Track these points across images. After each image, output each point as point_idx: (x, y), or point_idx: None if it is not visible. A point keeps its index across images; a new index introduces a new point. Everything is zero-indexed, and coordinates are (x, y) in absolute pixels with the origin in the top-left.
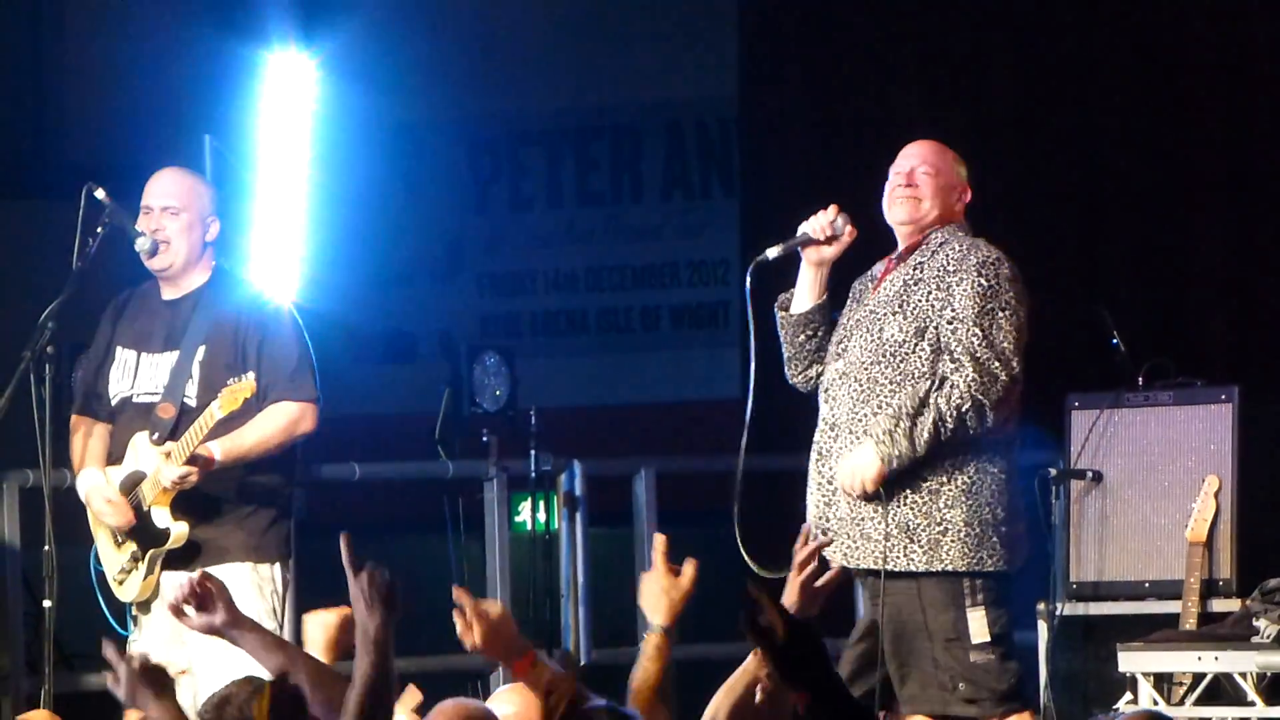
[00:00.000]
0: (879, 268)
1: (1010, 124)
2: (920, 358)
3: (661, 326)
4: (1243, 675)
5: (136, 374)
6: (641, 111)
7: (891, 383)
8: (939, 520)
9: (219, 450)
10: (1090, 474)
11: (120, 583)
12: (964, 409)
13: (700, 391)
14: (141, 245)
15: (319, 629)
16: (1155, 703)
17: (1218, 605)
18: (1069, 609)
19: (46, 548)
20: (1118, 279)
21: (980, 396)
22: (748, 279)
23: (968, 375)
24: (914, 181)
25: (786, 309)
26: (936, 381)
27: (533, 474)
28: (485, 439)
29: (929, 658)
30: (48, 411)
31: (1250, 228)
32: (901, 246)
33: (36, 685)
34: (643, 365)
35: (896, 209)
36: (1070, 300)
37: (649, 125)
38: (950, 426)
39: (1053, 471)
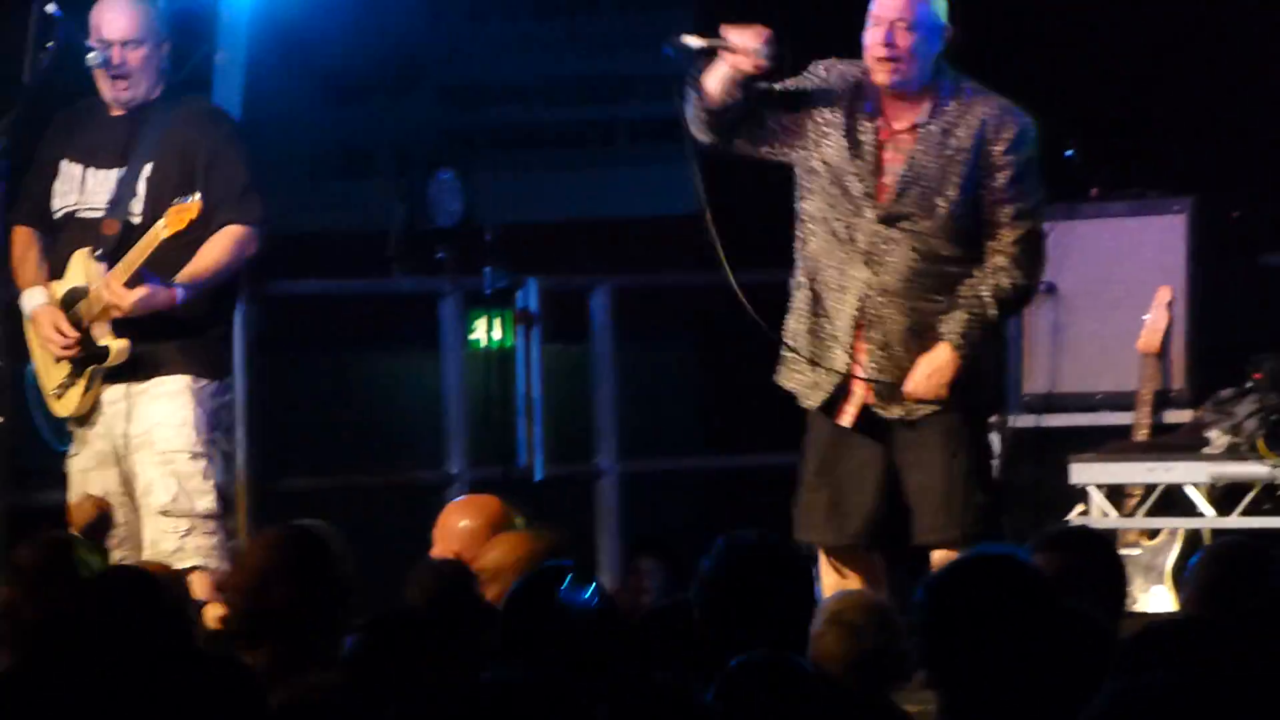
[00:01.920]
0: (866, 109)
1: None
2: (976, 231)
3: (619, 141)
4: (1195, 486)
5: (83, 188)
6: None
7: (954, 262)
8: (979, 363)
9: (181, 293)
10: (1043, 286)
11: (58, 398)
12: (1018, 271)
13: (659, 207)
14: (94, 60)
15: (80, 516)
16: (1106, 514)
17: (1170, 416)
18: (1021, 421)
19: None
20: (1070, 90)
21: (1029, 261)
22: (668, 54)
23: (1023, 259)
24: (894, 41)
25: (704, 102)
26: (992, 262)
27: (488, 290)
28: (441, 255)
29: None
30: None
31: (1206, 37)
32: (893, 97)
33: None
34: (601, 180)
35: (878, 73)
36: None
37: None
38: (1014, 297)
39: None
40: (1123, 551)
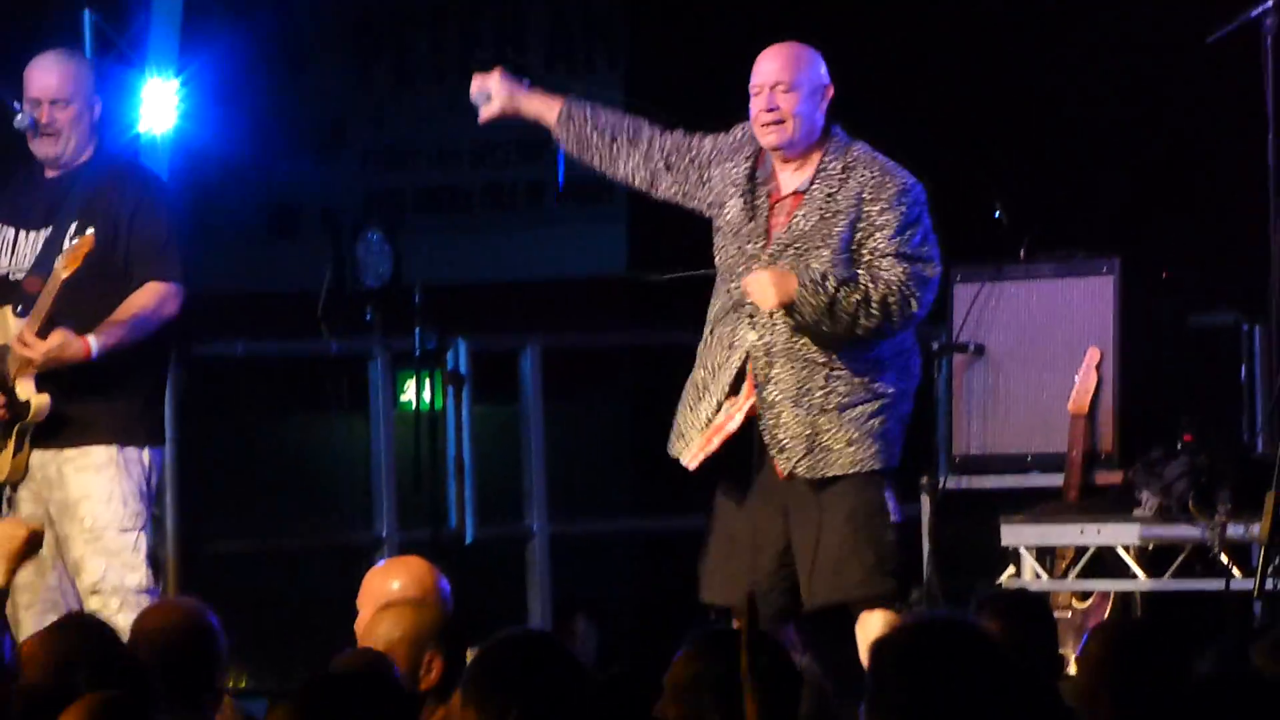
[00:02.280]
0: (760, 175)
1: None
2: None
3: (546, 202)
4: (1125, 548)
5: (14, 250)
6: None
7: None
8: (888, 421)
9: (95, 343)
10: (972, 346)
11: None
12: (890, 298)
13: (586, 267)
14: (20, 122)
15: (3, 540)
16: (1038, 575)
17: (1100, 478)
18: (952, 482)
19: None
20: (999, 151)
21: (908, 291)
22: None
23: (895, 277)
24: (774, 104)
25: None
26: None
27: (417, 351)
28: (369, 316)
29: (844, 551)
30: None
31: (1130, 95)
32: (783, 161)
33: None
34: (528, 241)
35: (765, 137)
36: (952, 172)
37: None
38: (874, 310)
39: (935, 345)
40: (1055, 614)
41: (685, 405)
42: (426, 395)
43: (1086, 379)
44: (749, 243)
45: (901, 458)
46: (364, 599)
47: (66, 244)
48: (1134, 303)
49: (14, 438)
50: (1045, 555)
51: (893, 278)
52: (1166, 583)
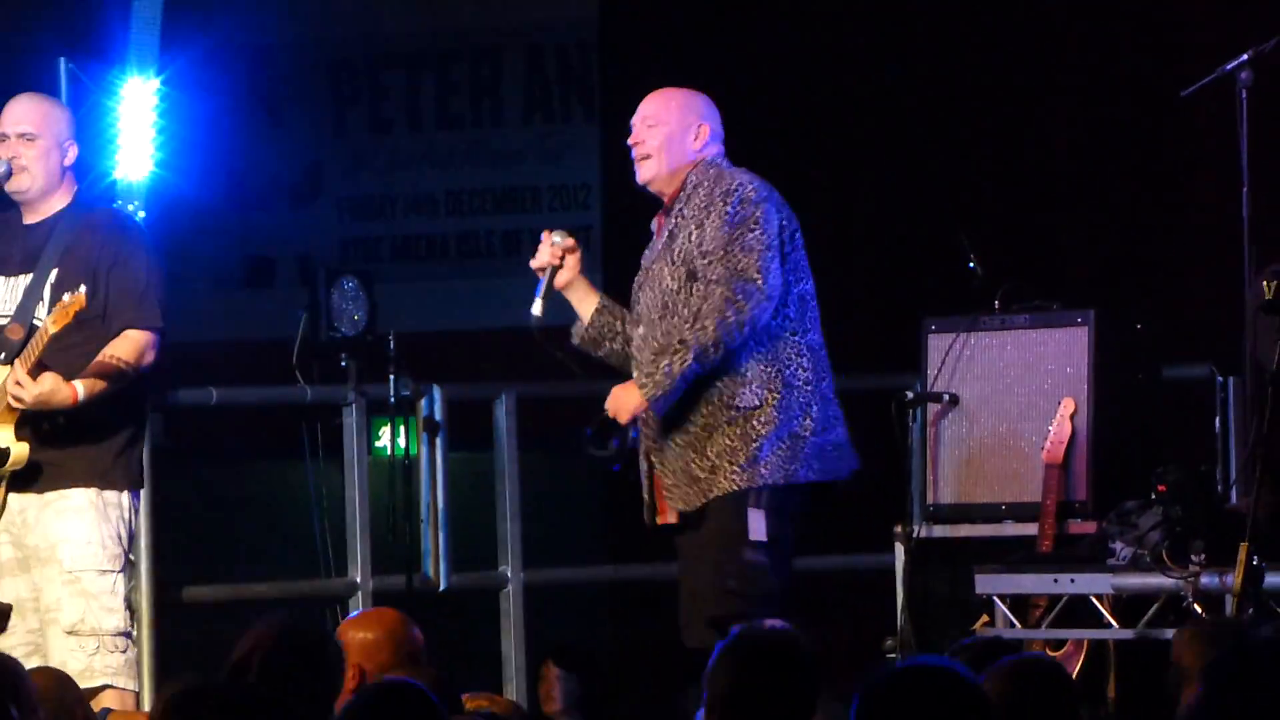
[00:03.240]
0: (655, 223)
1: (872, 48)
2: (696, 299)
3: (523, 251)
4: (1098, 597)
5: None
6: (501, 34)
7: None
8: (754, 439)
9: (81, 389)
10: (947, 396)
11: None
12: (713, 336)
13: (562, 316)
14: None
15: None
16: (1012, 625)
17: (1074, 528)
18: (925, 531)
19: None
20: (974, 201)
21: (731, 316)
22: (537, 333)
23: (715, 301)
24: (639, 140)
25: (578, 337)
26: (692, 318)
27: (392, 399)
28: (344, 364)
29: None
30: None
31: (1105, 148)
32: (666, 199)
33: None
34: (503, 290)
35: (638, 172)
36: (927, 222)
37: (509, 48)
38: (711, 353)
39: (909, 394)
40: None
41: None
42: (401, 442)
43: (1061, 429)
44: (639, 290)
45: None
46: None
47: (46, 291)
48: (1108, 354)
49: None
50: (1019, 604)
51: (712, 309)
52: (1140, 631)
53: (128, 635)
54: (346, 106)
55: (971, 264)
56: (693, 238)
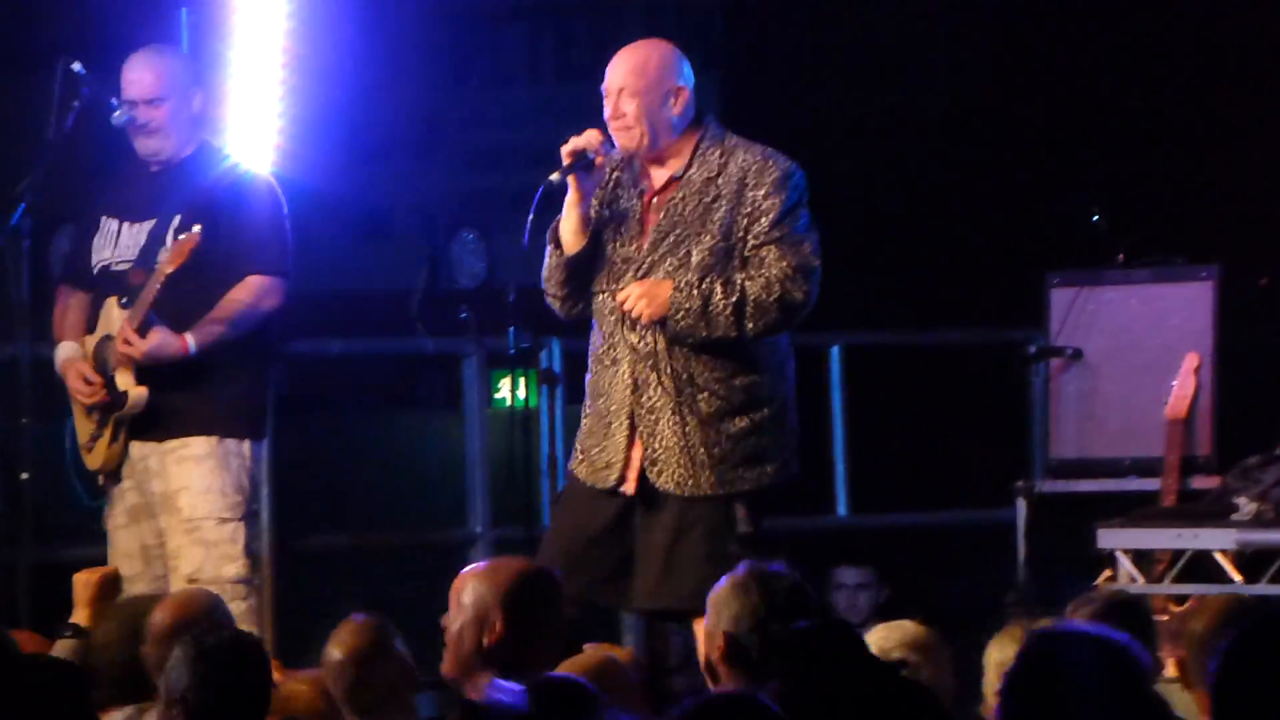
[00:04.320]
0: (627, 179)
1: (990, 5)
2: (759, 276)
3: None
4: (1221, 552)
5: (117, 242)
6: None
7: None
8: (764, 432)
9: (193, 340)
10: (1070, 351)
11: (89, 451)
12: (769, 296)
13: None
14: (118, 119)
15: (81, 587)
16: (1134, 580)
17: (1197, 482)
18: (1048, 486)
19: (24, 419)
20: (1100, 156)
21: (791, 285)
22: (533, 208)
23: (779, 271)
24: (619, 112)
25: (559, 245)
26: (756, 272)
27: (511, 351)
28: (464, 315)
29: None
30: (25, 284)
31: (1232, 102)
32: (651, 160)
33: (14, 557)
34: None
35: (618, 139)
36: (1051, 178)
37: (629, 1)
38: (752, 309)
39: (1032, 349)
40: None
41: (594, 440)
42: (520, 394)
43: (1184, 384)
44: (622, 247)
45: (798, 471)
46: (455, 597)
47: (169, 237)
48: (1232, 308)
49: (111, 427)
50: (1142, 559)
51: (775, 273)
52: (1263, 587)
53: (249, 582)
54: (465, 59)
55: (1096, 218)
56: (736, 214)
